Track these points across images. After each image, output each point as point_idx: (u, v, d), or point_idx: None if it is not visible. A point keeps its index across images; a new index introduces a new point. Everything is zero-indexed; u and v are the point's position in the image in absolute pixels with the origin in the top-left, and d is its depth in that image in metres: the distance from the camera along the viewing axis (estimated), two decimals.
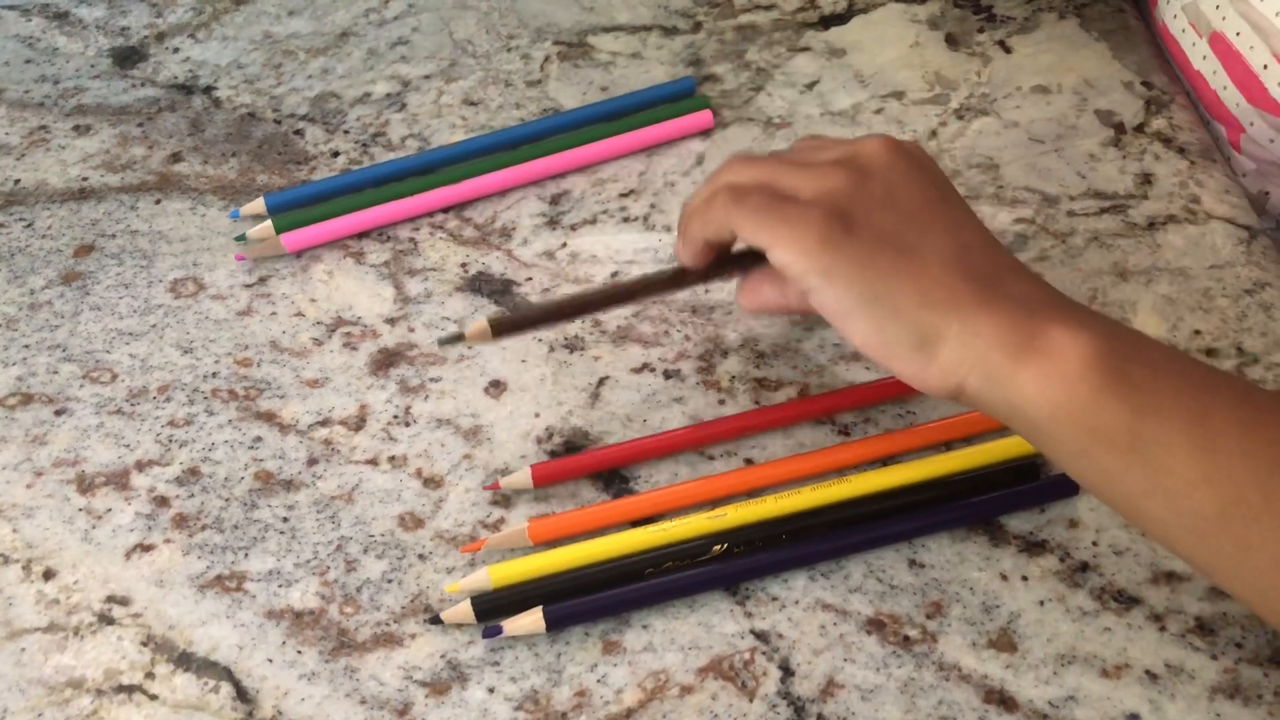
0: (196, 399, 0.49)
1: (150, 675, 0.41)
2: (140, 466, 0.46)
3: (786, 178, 0.41)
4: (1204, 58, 0.57)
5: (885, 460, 0.46)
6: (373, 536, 0.44)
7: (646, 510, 0.44)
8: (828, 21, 0.63)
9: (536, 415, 0.48)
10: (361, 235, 0.54)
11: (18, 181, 0.57)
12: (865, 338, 0.38)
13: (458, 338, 0.44)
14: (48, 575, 0.44)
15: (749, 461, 0.46)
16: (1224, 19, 0.55)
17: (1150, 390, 0.35)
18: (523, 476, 0.44)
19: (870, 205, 0.39)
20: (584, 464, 0.45)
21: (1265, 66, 0.53)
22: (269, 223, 0.53)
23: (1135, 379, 0.35)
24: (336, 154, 0.58)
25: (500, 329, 0.44)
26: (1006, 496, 0.44)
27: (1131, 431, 0.34)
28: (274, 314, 0.51)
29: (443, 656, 0.41)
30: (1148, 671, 0.40)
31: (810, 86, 0.60)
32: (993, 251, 0.40)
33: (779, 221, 0.39)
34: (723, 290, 0.52)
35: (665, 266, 0.46)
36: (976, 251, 0.39)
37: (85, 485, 0.46)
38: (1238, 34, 0.54)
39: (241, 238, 0.53)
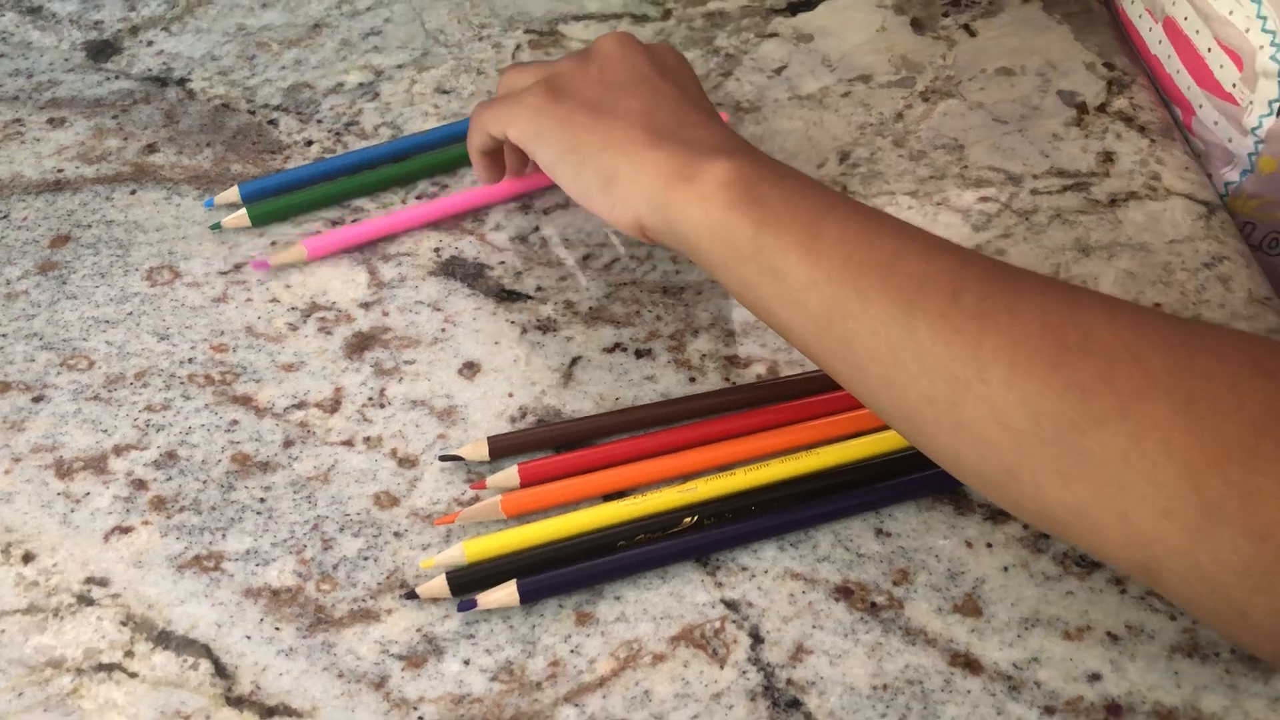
0: (173, 384, 0.49)
1: (129, 654, 0.42)
2: (118, 451, 0.47)
3: (523, 79, 0.48)
4: (1159, 42, 0.58)
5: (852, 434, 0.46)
6: (349, 515, 0.45)
7: (619, 484, 0.45)
8: (795, 8, 0.64)
9: (510, 395, 0.48)
10: (336, 223, 0.55)
11: None
12: (568, 184, 0.45)
13: (456, 458, 0.46)
14: (27, 558, 0.44)
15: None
16: (1174, 3, 0.56)
17: (773, 208, 0.39)
18: (509, 474, 0.45)
19: (581, 81, 0.45)
20: (572, 463, 0.45)
21: (1209, 50, 0.54)
22: (243, 211, 0.54)
23: (762, 198, 0.39)
24: (310, 143, 0.58)
25: (497, 450, 0.46)
26: None
27: (754, 242, 0.39)
28: (249, 300, 0.52)
29: (419, 630, 0.42)
30: (1109, 633, 0.41)
31: (778, 71, 0.61)
32: (683, 110, 0.44)
33: (508, 107, 0.46)
34: (694, 271, 0.52)
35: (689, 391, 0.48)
36: (665, 109, 0.44)
37: (64, 470, 0.46)
38: (1185, 18, 0.55)
39: (216, 226, 0.54)
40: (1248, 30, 0.51)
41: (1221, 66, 0.53)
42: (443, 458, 0.46)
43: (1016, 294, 0.36)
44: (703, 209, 0.40)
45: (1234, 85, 0.53)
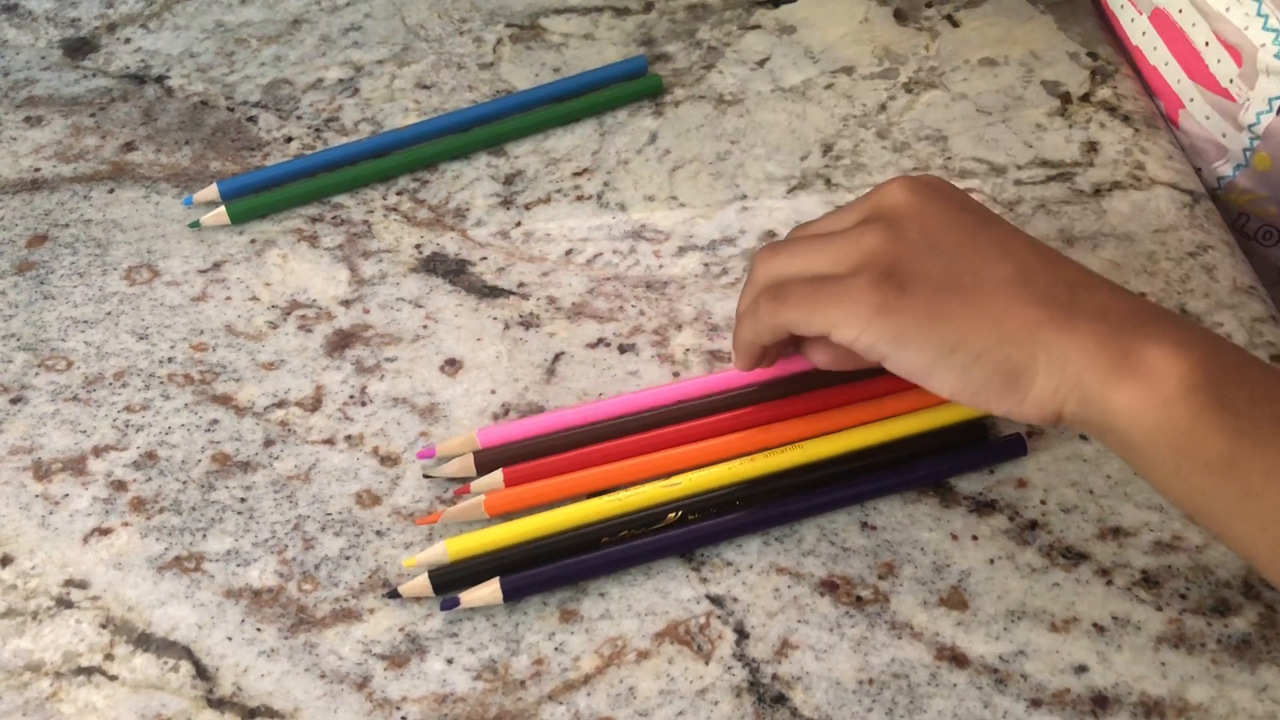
0: (153, 384, 0.49)
1: (109, 656, 0.41)
2: (97, 452, 0.47)
3: (820, 258, 0.40)
4: (1143, 33, 0.58)
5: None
6: (330, 515, 0.45)
7: (603, 484, 0.44)
8: (778, 0, 0.64)
9: (493, 392, 0.48)
10: (316, 220, 0.54)
11: None
12: (953, 389, 0.38)
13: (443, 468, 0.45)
14: (5, 561, 0.44)
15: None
16: None
17: (1249, 416, 0.35)
18: (493, 476, 0.44)
19: (914, 256, 0.39)
20: (556, 466, 0.45)
21: (1207, 44, 0.54)
22: (222, 209, 0.53)
23: (1234, 403, 0.35)
24: (290, 139, 0.58)
25: (484, 464, 0.44)
26: (956, 458, 0.45)
27: (1227, 456, 0.35)
28: (229, 299, 0.51)
29: (401, 630, 0.42)
30: (1095, 624, 0.41)
31: (761, 63, 0.61)
32: (1055, 266, 0.39)
33: (829, 305, 0.39)
34: (675, 265, 0.52)
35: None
36: (1038, 271, 0.38)
37: (42, 472, 0.46)
38: (1180, 11, 0.55)
39: (195, 224, 0.54)
40: (1246, 28, 0.51)
41: (1219, 61, 0.53)
42: (426, 475, 0.45)
43: None
44: (1160, 411, 0.35)
45: (1231, 81, 0.52)
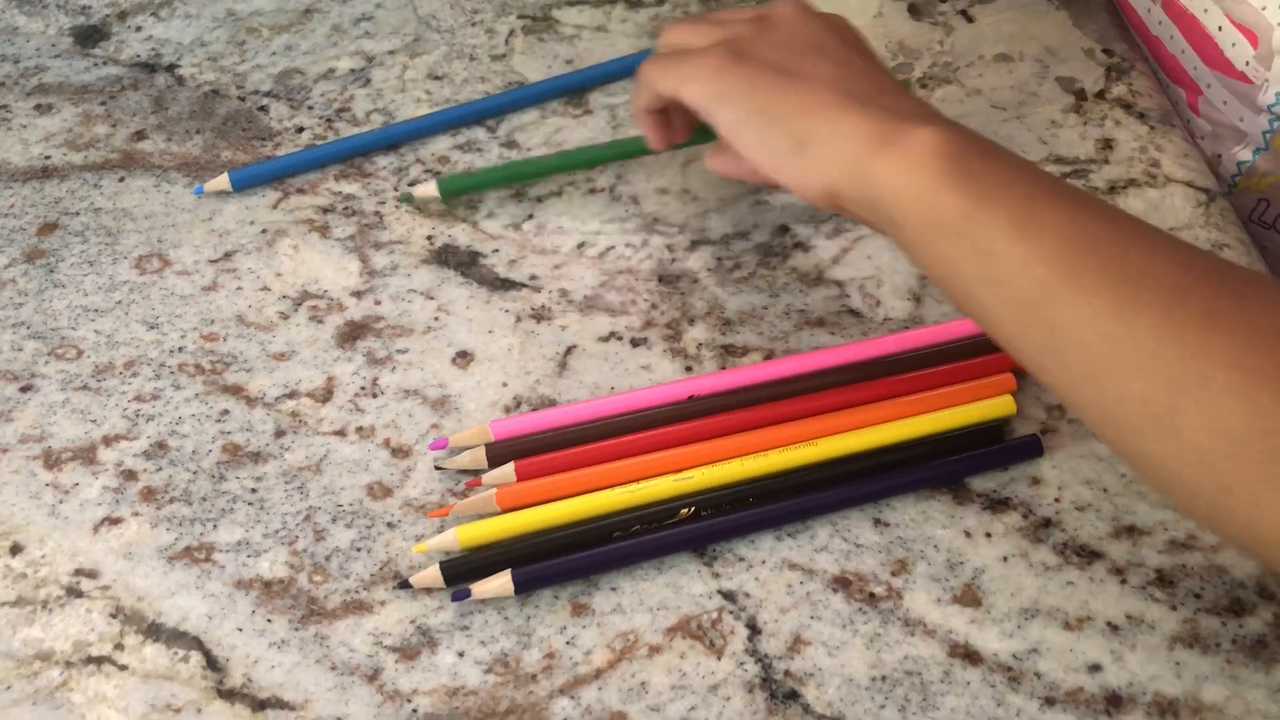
0: (163, 374, 0.48)
1: (119, 646, 0.41)
2: (107, 441, 0.46)
3: (696, 36, 0.46)
4: (1160, 23, 0.58)
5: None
6: (341, 506, 0.44)
7: (616, 480, 0.44)
8: None
9: (504, 385, 0.48)
10: (327, 210, 0.54)
11: None
12: (753, 148, 0.42)
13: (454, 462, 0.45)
14: (15, 550, 0.43)
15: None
16: None
17: (985, 182, 0.37)
18: (505, 470, 0.44)
19: (765, 44, 0.44)
20: (568, 460, 0.44)
21: (1220, 28, 0.53)
22: (432, 184, 0.53)
23: (972, 170, 0.37)
24: (301, 129, 0.57)
25: (495, 458, 0.44)
26: (971, 458, 0.45)
27: (964, 216, 0.37)
28: (240, 289, 0.51)
29: (412, 622, 0.41)
30: (1109, 623, 0.41)
31: None
32: (874, 76, 0.43)
33: (683, 65, 0.44)
34: (687, 259, 0.52)
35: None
36: (859, 75, 0.42)
37: (52, 461, 0.46)
38: None
39: (407, 198, 0.53)
40: (1264, 8, 0.51)
41: (1234, 45, 0.53)
42: (438, 467, 0.45)
43: (1247, 296, 0.34)
44: (908, 178, 0.38)
45: (1247, 63, 0.52)
